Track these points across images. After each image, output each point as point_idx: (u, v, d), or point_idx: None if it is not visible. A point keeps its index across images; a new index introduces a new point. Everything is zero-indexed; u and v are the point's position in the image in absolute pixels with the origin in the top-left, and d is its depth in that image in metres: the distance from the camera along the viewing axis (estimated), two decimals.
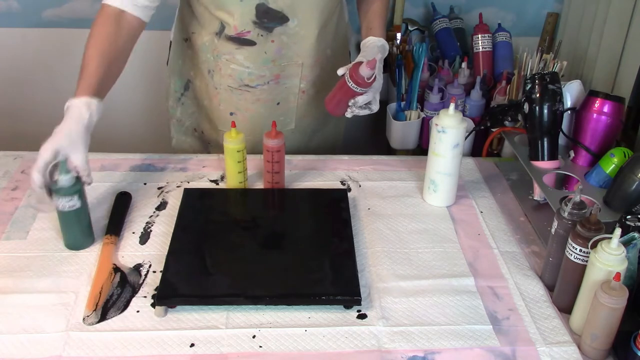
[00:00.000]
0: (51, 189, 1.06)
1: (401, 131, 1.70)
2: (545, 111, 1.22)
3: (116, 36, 1.20)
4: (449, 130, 1.18)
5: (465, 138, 1.53)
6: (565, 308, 1.02)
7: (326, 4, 1.30)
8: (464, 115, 1.70)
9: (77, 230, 1.11)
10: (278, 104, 1.42)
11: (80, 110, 1.10)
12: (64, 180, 1.06)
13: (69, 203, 1.07)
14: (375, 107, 1.28)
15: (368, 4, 1.39)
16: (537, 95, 1.23)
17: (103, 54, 1.18)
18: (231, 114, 1.43)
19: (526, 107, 1.25)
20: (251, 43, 1.30)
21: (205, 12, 1.31)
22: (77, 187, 1.07)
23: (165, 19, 1.97)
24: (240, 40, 1.30)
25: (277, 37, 1.30)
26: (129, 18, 1.21)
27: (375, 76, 1.21)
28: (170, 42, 1.49)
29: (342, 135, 1.65)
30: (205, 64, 1.39)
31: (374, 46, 1.29)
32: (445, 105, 1.70)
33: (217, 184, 1.32)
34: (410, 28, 1.94)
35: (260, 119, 1.43)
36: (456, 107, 1.19)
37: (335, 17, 1.39)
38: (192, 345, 0.93)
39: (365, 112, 1.27)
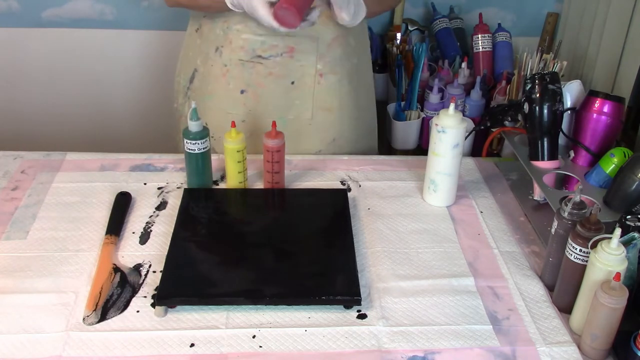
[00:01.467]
0: (183, 134, 1.21)
1: (401, 131, 1.70)
2: (545, 111, 1.22)
3: None
4: (449, 130, 1.18)
5: (465, 138, 1.53)
6: (565, 308, 1.02)
7: None
8: (464, 115, 1.70)
9: (207, 169, 1.26)
10: (292, 83, 1.36)
11: None
12: (194, 125, 1.19)
13: (202, 145, 1.21)
14: (348, 14, 1.23)
15: None
16: (537, 95, 1.23)
17: None
18: (242, 91, 1.37)
19: (526, 107, 1.25)
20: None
21: None
22: (206, 131, 1.21)
23: (168, 20, 1.98)
24: None
25: None
26: None
27: None
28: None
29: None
30: (214, 42, 1.36)
31: None
32: (445, 105, 1.70)
33: (217, 184, 1.32)
34: (410, 28, 1.95)
35: (273, 98, 1.36)
36: (456, 107, 1.19)
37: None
38: (192, 345, 0.94)
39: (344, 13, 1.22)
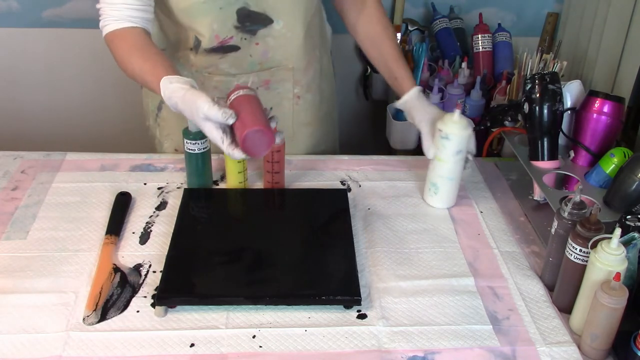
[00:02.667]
0: (182, 134, 1.20)
1: (401, 131, 1.70)
2: (545, 111, 1.22)
3: (144, 37, 1.16)
4: (453, 137, 1.17)
5: None
6: (565, 308, 1.02)
7: (308, 2, 1.27)
8: (463, 115, 1.70)
9: (207, 169, 1.26)
10: (271, 108, 1.37)
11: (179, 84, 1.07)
12: (194, 125, 1.18)
13: (202, 146, 1.21)
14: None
15: (377, 47, 1.33)
16: (537, 95, 1.23)
17: (149, 48, 1.15)
18: None
19: (526, 107, 1.25)
20: (235, 48, 1.27)
21: (175, 27, 1.27)
22: None
23: None
24: (224, 49, 1.26)
25: (261, 40, 1.27)
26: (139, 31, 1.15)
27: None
28: None
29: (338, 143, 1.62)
30: None
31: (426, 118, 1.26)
32: (445, 106, 1.70)
33: (217, 184, 1.32)
34: (410, 28, 1.95)
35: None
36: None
37: (317, 17, 1.36)
38: (192, 345, 0.93)
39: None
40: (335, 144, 1.59)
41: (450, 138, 1.17)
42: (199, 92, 1.04)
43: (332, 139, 1.57)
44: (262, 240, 1.13)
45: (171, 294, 1.00)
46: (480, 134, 1.58)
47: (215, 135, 1.02)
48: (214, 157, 1.29)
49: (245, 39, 1.26)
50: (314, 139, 1.48)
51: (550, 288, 1.06)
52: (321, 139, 1.50)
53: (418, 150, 1.73)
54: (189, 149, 1.22)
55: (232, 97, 1.06)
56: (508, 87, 1.64)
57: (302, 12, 1.27)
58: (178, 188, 1.29)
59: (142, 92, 1.49)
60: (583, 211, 0.99)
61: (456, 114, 1.17)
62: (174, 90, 1.06)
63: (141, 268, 1.08)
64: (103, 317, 0.97)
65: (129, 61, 1.14)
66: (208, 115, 1.00)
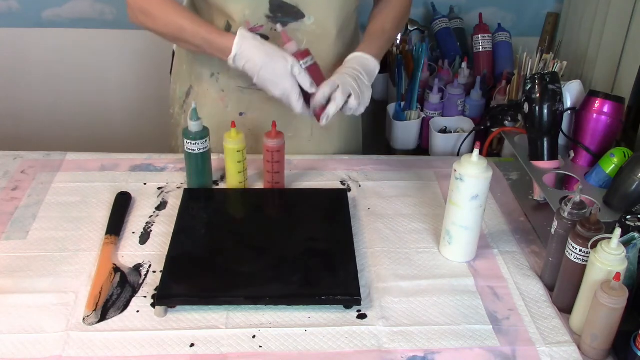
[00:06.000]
0: (184, 135, 1.21)
1: (401, 131, 1.69)
2: (545, 111, 1.22)
3: None
4: (468, 179, 1.03)
5: (465, 138, 1.53)
6: (565, 308, 1.02)
7: (344, 2, 1.26)
8: (463, 115, 1.70)
9: (207, 169, 1.26)
10: None
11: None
12: (194, 125, 1.19)
13: (202, 146, 1.21)
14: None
15: (374, 17, 1.34)
16: (537, 95, 1.23)
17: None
18: (240, 114, 1.38)
19: (526, 107, 1.25)
20: (264, 38, 1.25)
21: (209, 10, 1.28)
22: (206, 131, 1.21)
23: None
24: None
25: (291, 34, 1.25)
26: None
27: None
28: (173, 51, 1.46)
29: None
30: (208, 67, 1.35)
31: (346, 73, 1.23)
32: (445, 106, 1.70)
33: (217, 184, 1.32)
34: (410, 28, 1.94)
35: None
36: (480, 153, 1.04)
37: (354, 20, 1.35)
38: (192, 345, 0.94)
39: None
40: (358, 150, 1.56)
41: (464, 180, 1.04)
42: (280, 48, 1.15)
43: (355, 145, 1.54)
44: (261, 240, 1.13)
45: (171, 294, 1.00)
46: (480, 134, 1.59)
47: (294, 92, 1.16)
48: (214, 157, 1.29)
49: (274, 30, 1.25)
50: (333, 146, 1.46)
51: (550, 288, 1.06)
52: (343, 146, 1.48)
53: (418, 150, 1.74)
54: (189, 149, 1.22)
55: (307, 62, 1.18)
56: (508, 87, 1.64)
57: (336, 12, 1.26)
58: (178, 188, 1.29)
59: (170, 79, 1.49)
60: (583, 211, 0.99)
61: (474, 154, 1.03)
62: (252, 45, 1.16)
63: (141, 268, 1.08)
64: (103, 317, 0.97)
65: (167, 20, 1.19)
66: (297, 76, 1.15)
